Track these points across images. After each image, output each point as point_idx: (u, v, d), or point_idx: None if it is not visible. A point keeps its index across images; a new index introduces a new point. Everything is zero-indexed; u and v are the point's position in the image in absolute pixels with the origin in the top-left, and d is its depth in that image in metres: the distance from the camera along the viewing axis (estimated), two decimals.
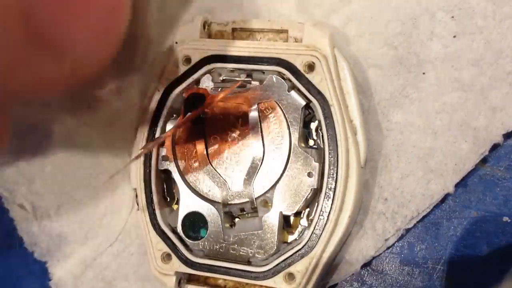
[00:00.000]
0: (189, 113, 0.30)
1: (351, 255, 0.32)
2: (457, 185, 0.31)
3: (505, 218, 0.31)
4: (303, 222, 0.31)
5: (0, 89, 0.19)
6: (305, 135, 0.31)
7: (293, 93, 0.31)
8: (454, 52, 0.32)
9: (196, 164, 0.32)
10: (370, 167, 0.32)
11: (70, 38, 0.19)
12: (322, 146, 0.30)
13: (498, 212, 0.31)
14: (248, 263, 0.31)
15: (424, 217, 0.32)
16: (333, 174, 0.29)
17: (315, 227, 0.30)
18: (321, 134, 0.30)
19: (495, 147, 0.31)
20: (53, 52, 0.19)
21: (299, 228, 0.31)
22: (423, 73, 0.32)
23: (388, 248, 0.32)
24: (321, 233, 0.29)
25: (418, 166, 0.32)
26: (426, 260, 0.32)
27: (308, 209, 0.31)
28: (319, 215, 0.30)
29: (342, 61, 0.30)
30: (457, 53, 0.32)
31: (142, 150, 0.32)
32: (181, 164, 0.32)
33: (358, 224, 0.32)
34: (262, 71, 0.31)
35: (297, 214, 0.31)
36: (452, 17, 0.32)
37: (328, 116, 0.30)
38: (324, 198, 0.29)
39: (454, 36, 0.32)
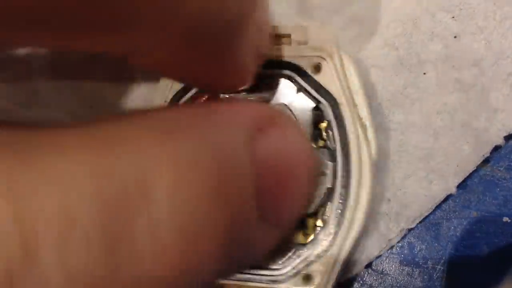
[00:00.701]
0: None
1: (355, 255, 0.32)
2: (457, 186, 0.31)
3: (505, 218, 0.31)
4: (318, 222, 0.31)
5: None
6: (316, 136, 0.31)
7: (301, 95, 0.30)
8: (455, 53, 0.32)
9: None
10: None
11: (286, 211, 0.22)
12: (333, 145, 0.30)
13: (498, 212, 0.32)
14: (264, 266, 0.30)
15: (424, 217, 0.32)
16: (346, 173, 0.29)
17: (330, 226, 0.29)
18: (331, 133, 0.30)
19: (496, 148, 0.31)
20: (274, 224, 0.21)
21: (315, 229, 0.31)
22: (424, 73, 0.32)
23: (389, 248, 0.32)
24: (338, 232, 0.29)
25: (420, 167, 0.32)
26: (426, 260, 0.32)
27: (323, 209, 0.31)
28: (335, 215, 0.29)
29: (347, 60, 0.30)
30: (458, 54, 0.32)
31: None
32: None
33: None
34: (270, 75, 0.31)
35: (312, 214, 0.31)
36: (453, 17, 0.32)
37: (338, 115, 0.30)
38: (339, 197, 0.29)
39: (455, 37, 0.32)
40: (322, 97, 0.30)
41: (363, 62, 0.33)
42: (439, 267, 0.32)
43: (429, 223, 0.32)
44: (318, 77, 0.30)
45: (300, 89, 0.31)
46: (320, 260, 0.29)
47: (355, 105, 0.30)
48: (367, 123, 0.30)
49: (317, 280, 0.29)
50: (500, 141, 0.31)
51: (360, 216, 0.29)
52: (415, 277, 0.32)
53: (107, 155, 0.16)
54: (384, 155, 0.32)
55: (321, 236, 0.30)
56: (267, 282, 0.30)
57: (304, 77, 0.30)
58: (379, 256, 0.32)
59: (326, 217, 0.31)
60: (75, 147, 0.16)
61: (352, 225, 0.29)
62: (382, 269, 0.33)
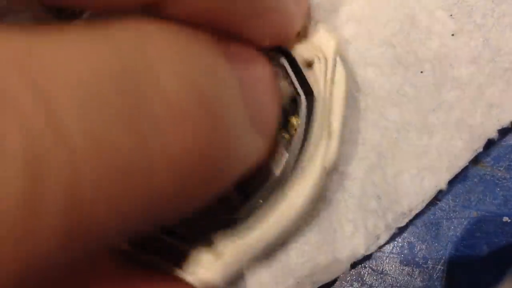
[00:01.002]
0: None
1: (342, 254, 0.32)
2: (457, 185, 0.31)
3: (505, 218, 0.31)
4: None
5: None
6: (285, 126, 0.31)
7: (284, 83, 0.30)
8: (453, 50, 0.32)
9: None
10: (365, 165, 0.32)
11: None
12: (295, 139, 0.30)
13: (498, 212, 0.31)
14: None
15: (424, 217, 0.32)
16: (294, 168, 0.29)
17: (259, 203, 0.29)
18: (298, 129, 0.30)
19: (490, 144, 0.31)
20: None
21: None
22: (421, 72, 0.32)
23: (382, 246, 0.32)
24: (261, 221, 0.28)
25: (413, 164, 0.31)
26: (426, 260, 0.32)
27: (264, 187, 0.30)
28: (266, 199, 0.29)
29: (341, 68, 0.30)
30: (456, 51, 0.32)
31: None
32: None
33: (350, 222, 0.32)
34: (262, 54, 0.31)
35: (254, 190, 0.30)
36: (451, 15, 0.32)
37: (310, 113, 0.30)
38: (278, 186, 0.29)
39: (453, 35, 0.32)
40: (303, 91, 0.30)
41: (360, 61, 0.33)
42: (439, 267, 0.32)
43: (429, 223, 0.32)
44: (306, 72, 0.30)
45: (285, 77, 0.30)
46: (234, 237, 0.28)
47: (330, 111, 0.30)
48: (335, 131, 0.30)
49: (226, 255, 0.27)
50: (494, 134, 0.30)
51: (286, 217, 0.28)
52: (415, 277, 0.32)
53: (111, 37, 0.16)
54: (378, 152, 0.32)
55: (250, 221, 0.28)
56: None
57: (293, 67, 0.30)
58: (367, 255, 0.32)
59: (260, 199, 0.29)
60: (81, 32, 0.16)
61: (277, 221, 0.28)
62: (382, 269, 0.33)
